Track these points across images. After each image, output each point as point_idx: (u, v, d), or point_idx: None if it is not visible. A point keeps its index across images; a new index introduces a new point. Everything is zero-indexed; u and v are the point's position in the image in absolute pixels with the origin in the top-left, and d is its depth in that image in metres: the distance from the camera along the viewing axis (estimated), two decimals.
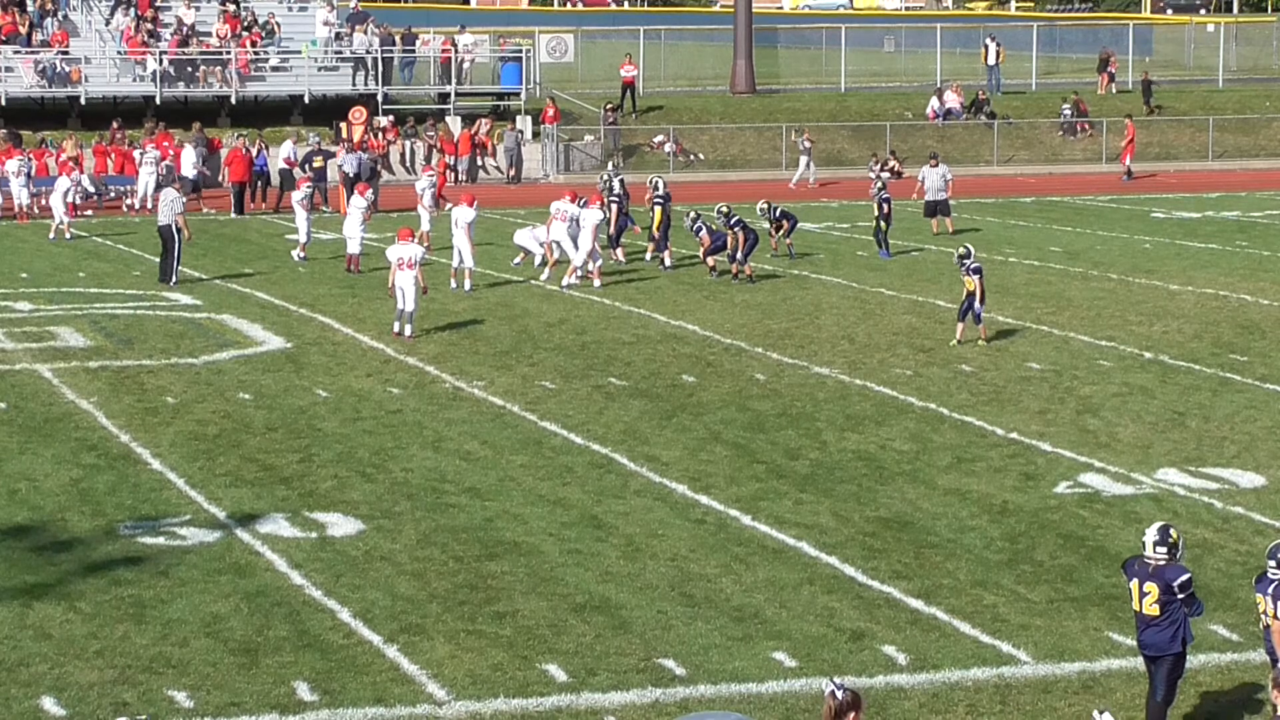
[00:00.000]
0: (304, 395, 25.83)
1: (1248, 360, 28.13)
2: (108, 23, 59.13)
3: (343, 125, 56.04)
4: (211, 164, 53.07)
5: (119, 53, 58.15)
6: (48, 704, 14.50)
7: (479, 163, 58.48)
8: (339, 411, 24.81)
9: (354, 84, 59.82)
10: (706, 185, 56.71)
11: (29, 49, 57.31)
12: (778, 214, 39.45)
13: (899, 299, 34.21)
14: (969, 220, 47.07)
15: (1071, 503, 20.26)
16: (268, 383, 26.67)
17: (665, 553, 18.34)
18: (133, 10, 58.98)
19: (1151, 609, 13.53)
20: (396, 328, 30.15)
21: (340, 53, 60.18)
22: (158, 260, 37.05)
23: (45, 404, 25.22)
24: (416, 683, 14.98)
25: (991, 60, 69.52)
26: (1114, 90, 70.09)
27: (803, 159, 57.90)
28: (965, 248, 30.03)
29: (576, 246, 36.05)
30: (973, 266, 29.19)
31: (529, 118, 60.08)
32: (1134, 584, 13.62)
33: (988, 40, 70.86)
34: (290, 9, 62.00)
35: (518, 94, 61.20)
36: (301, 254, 39.89)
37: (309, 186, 42.52)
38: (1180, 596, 13.48)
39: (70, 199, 45.17)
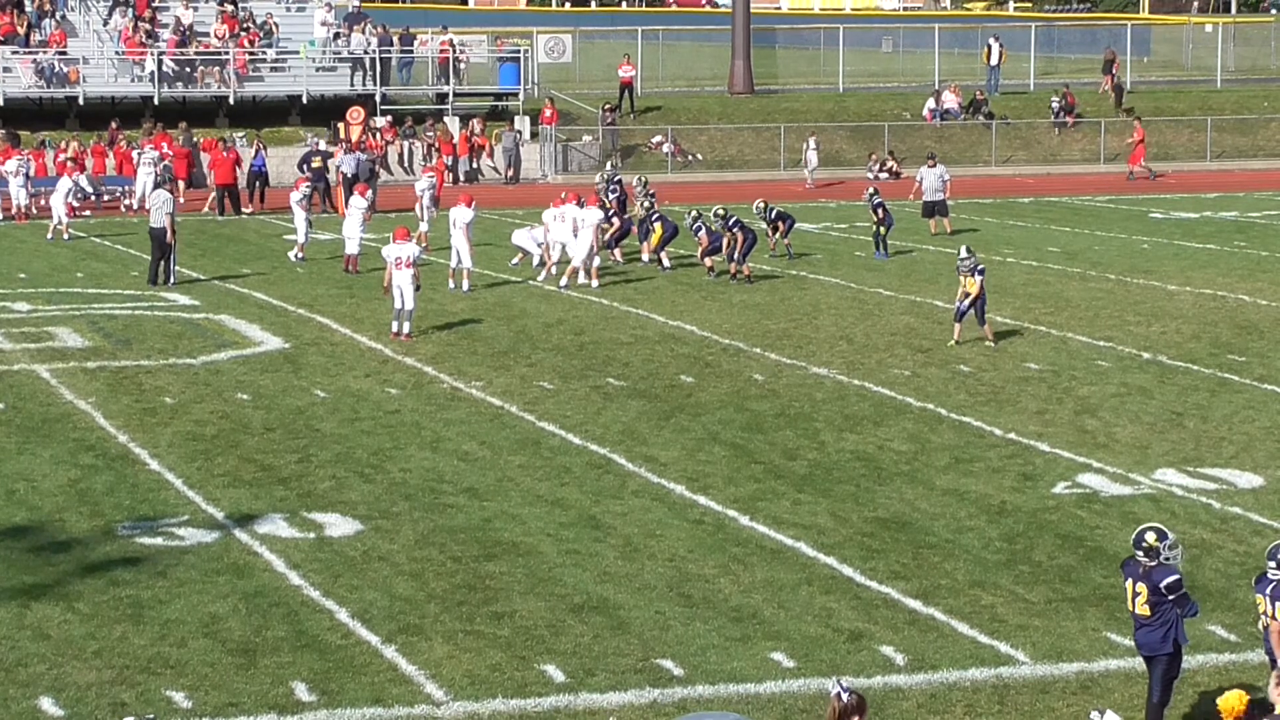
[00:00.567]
0: (302, 395, 25.83)
1: (1246, 360, 28.13)
2: (106, 23, 59.12)
3: (340, 125, 56.04)
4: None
5: (117, 53, 58.14)
6: (46, 704, 14.50)
7: (474, 164, 58.45)
8: (337, 412, 24.80)
9: (352, 84, 59.82)
10: (705, 185, 56.72)
11: (27, 49, 57.30)
12: (774, 215, 39.49)
13: (897, 299, 34.21)
14: (967, 220, 47.07)
15: (1070, 503, 20.26)
16: (266, 383, 26.67)
17: (663, 553, 18.34)
18: (130, 10, 58.97)
19: (1143, 609, 13.61)
20: (395, 328, 30.14)
21: (338, 53, 60.18)
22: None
23: (43, 404, 25.21)
24: (415, 683, 14.98)
25: (994, 60, 69.53)
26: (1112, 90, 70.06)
27: (813, 156, 57.80)
28: (966, 249, 30.06)
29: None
30: (976, 268, 29.22)
31: (527, 118, 60.08)
32: (1128, 584, 13.72)
33: (990, 40, 70.88)
34: (288, 9, 61.99)
35: (516, 94, 61.21)
36: (300, 254, 39.88)
37: (308, 186, 42.50)
38: (1170, 598, 13.51)
39: (69, 200, 45.15)
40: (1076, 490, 20.79)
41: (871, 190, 41.60)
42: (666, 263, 38.28)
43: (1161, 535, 13.65)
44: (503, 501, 20.29)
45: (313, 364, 28.10)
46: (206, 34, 59.32)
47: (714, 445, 22.88)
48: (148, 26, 58.71)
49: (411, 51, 61.60)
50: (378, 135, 57.05)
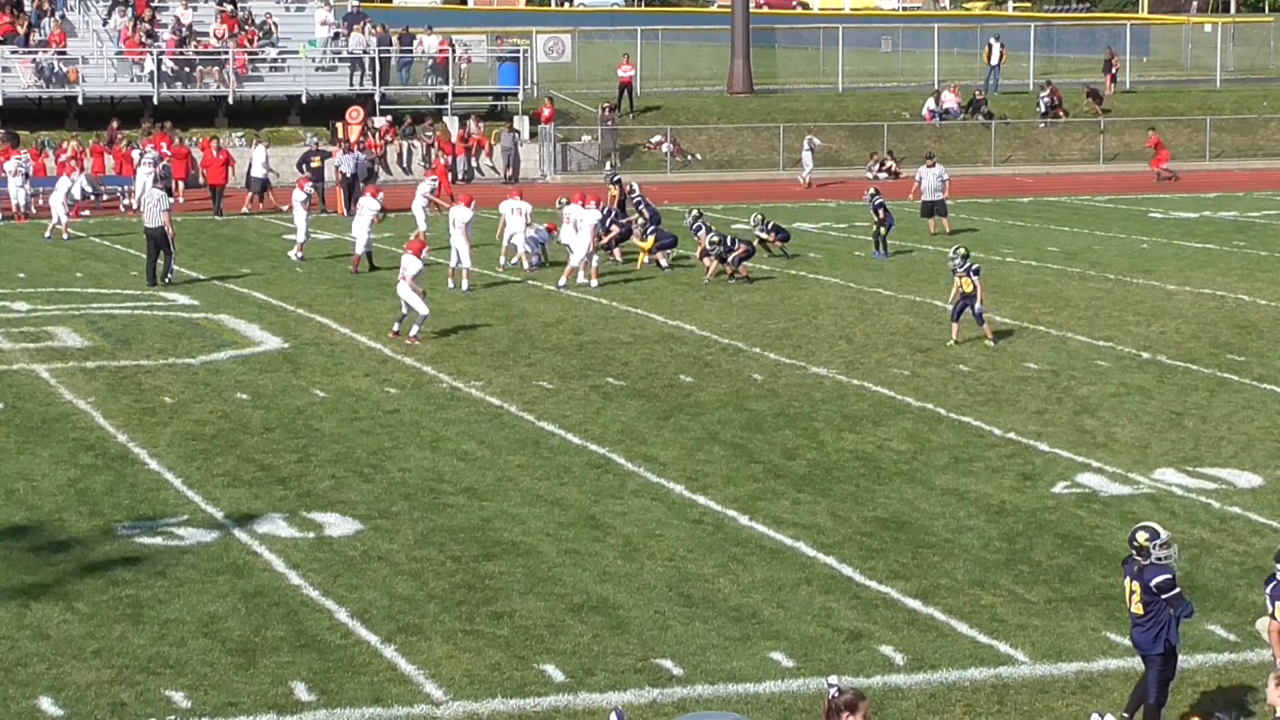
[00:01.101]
0: (301, 395, 25.83)
1: (1245, 360, 28.13)
2: (105, 23, 59.11)
3: (339, 125, 56.03)
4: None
5: (116, 53, 58.13)
6: (45, 704, 14.50)
7: (473, 163, 58.44)
8: (336, 411, 24.80)
9: (351, 84, 59.81)
10: (704, 185, 56.72)
11: (26, 49, 57.29)
12: (769, 227, 39.59)
13: (896, 299, 34.21)
14: (966, 220, 47.07)
15: (1069, 503, 20.26)
16: (265, 383, 26.67)
17: (663, 553, 18.35)
18: (130, 10, 58.96)
19: (1137, 608, 13.69)
20: (396, 328, 30.10)
21: (338, 53, 60.17)
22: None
23: (43, 404, 25.21)
24: (414, 683, 14.98)
25: (994, 60, 69.52)
26: (1113, 90, 70.03)
27: (808, 157, 57.78)
28: (964, 249, 30.06)
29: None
30: (973, 268, 29.23)
31: (526, 118, 60.08)
32: (1126, 582, 13.79)
33: (991, 40, 70.89)
34: (288, 9, 61.98)
35: (515, 94, 61.20)
36: (299, 254, 39.88)
37: (310, 186, 42.49)
38: (1162, 597, 13.52)
39: (69, 200, 45.17)
40: (1076, 490, 20.79)
41: (872, 191, 41.61)
42: (665, 262, 38.29)
43: (1153, 535, 13.66)
44: (502, 501, 20.29)
45: (312, 364, 28.10)
46: (206, 34, 59.31)
47: (713, 445, 22.88)
48: (147, 26, 58.70)
49: (411, 51, 61.60)
50: (377, 135, 57.04)
